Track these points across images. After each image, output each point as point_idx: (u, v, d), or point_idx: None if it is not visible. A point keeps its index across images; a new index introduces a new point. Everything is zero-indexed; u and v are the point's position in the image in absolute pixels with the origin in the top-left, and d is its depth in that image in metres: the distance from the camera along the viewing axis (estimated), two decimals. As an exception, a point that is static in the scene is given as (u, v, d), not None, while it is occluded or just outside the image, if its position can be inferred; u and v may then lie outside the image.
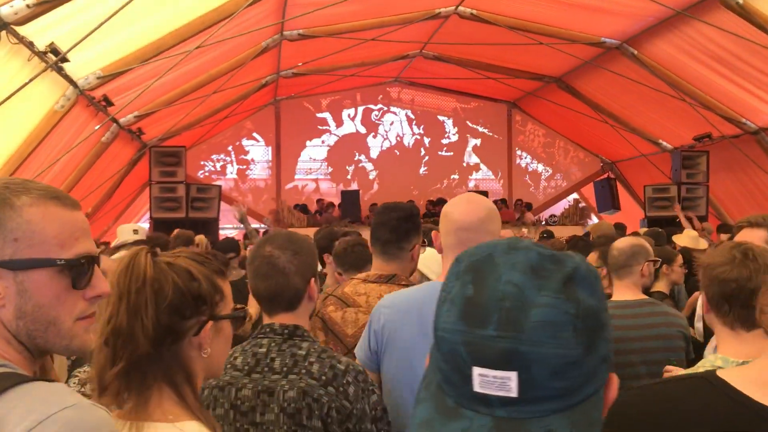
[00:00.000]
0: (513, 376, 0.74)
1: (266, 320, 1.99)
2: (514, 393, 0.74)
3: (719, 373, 1.30)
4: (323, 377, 1.84)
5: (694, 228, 9.48)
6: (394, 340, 2.12)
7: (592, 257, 4.21)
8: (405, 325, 2.06)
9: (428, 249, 3.54)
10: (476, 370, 0.76)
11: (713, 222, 10.94)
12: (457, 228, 1.98)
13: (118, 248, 4.84)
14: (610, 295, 3.26)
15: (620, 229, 7.93)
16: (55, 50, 5.53)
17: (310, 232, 9.70)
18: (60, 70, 6.08)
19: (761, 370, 1.26)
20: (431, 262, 3.45)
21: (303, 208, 14.05)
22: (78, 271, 1.11)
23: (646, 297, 3.28)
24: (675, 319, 3.17)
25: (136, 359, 1.30)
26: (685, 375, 1.56)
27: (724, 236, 7.01)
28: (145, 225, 12.17)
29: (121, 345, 1.30)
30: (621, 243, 3.32)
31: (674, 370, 2.70)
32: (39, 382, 1.01)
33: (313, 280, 2.00)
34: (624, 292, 3.19)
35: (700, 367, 1.89)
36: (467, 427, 0.76)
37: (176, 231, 7.02)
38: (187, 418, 1.32)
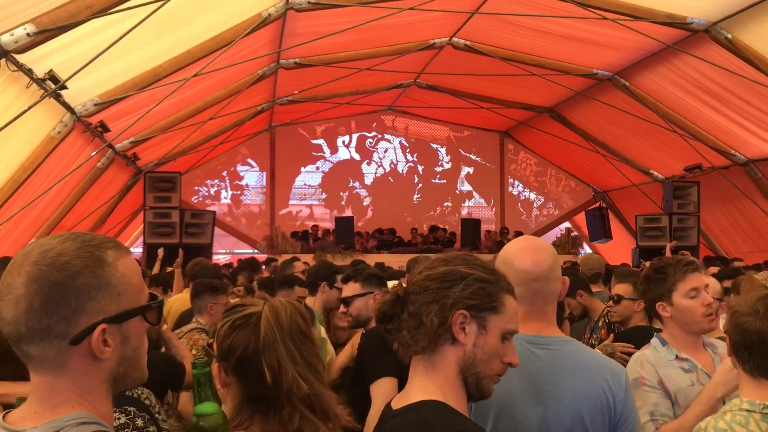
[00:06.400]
0: None
1: None
2: None
3: None
4: None
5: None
6: (508, 416, 1.86)
7: (627, 289, 3.88)
8: (515, 397, 1.83)
9: None
10: None
11: (705, 253, 11.02)
12: (529, 279, 1.93)
13: None
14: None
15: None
16: (53, 77, 5.55)
17: (306, 258, 9.76)
18: (58, 97, 6.10)
19: None
20: None
21: (304, 235, 14.04)
22: (160, 309, 1.22)
23: None
24: None
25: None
26: None
27: (712, 269, 6.98)
28: (138, 250, 12.15)
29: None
30: None
31: None
32: None
33: None
34: None
35: (727, 411, 1.91)
36: None
37: (196, 259, 6.31)
38: None
